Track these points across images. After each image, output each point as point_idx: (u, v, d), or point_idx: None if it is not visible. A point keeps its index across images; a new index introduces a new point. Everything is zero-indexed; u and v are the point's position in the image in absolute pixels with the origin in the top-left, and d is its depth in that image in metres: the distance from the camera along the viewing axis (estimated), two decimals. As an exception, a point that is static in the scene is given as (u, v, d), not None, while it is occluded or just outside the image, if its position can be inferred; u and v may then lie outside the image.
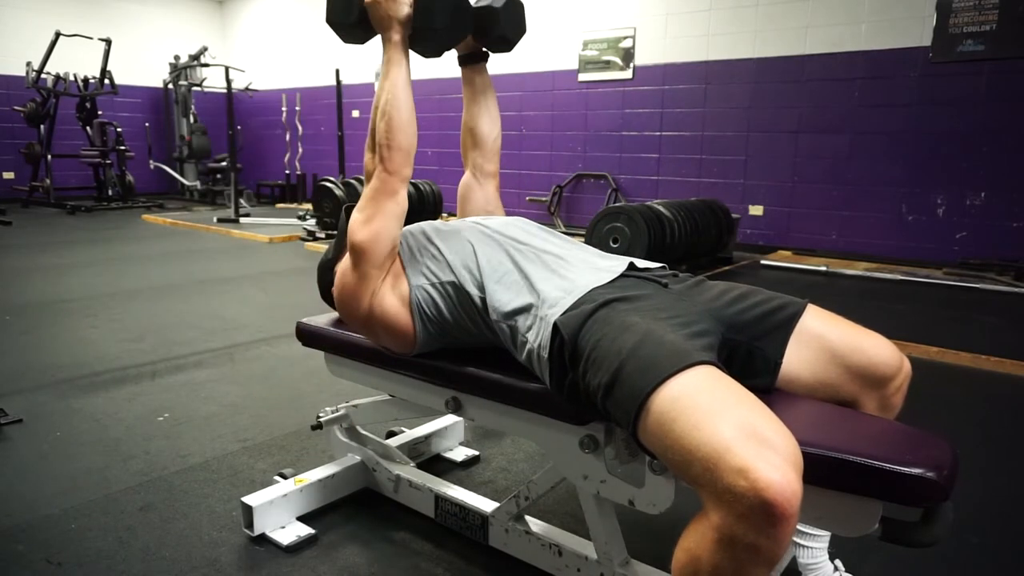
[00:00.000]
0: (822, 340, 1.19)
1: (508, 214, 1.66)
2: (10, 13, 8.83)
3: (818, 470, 0.96)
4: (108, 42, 8.37)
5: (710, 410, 0.90)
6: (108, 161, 8.55)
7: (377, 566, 1.55)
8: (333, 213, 6.23)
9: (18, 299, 4.02)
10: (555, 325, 1.17)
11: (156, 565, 1.53)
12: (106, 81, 8.48)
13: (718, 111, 6.16)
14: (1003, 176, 4.94)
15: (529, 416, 1.33)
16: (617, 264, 1.34)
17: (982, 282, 4.54)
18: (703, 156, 6.30)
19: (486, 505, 1.59)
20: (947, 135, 5.11)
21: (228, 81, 7.49)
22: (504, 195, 1.80)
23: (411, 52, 1.47)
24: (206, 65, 9.21)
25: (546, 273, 1.30)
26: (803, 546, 1.34)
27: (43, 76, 8.24)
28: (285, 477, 1.77)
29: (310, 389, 2.61)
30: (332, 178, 6.51)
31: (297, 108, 9.09)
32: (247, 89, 9.47)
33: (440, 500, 1.66)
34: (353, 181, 6.38)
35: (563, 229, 6.85)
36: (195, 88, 9.73)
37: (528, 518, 1.53)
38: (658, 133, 6.54)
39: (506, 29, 1.58)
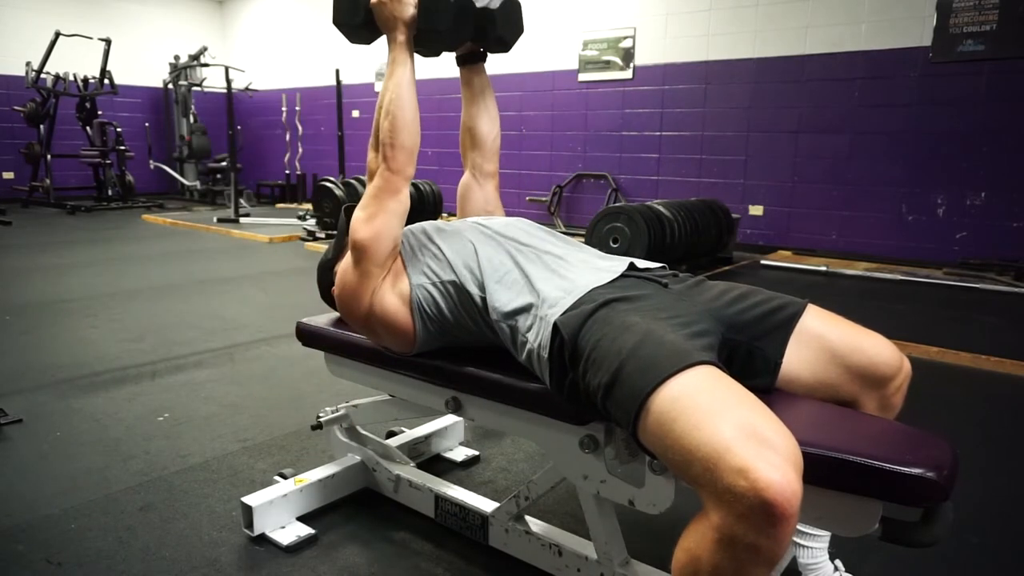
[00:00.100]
0: (822, 340, 1.19)
1: (508, 214, 1.66)
2: (10, 13, 8.83)
3: (818, 470, 0.96)
4: (108, 42, 8.37)
5: (710, 410, 0.90)
6: (108, 161, 8.55)
7: (377, 566, 1.55)
8: (333, 213, 6.23)
9: (18, 299, 4.02)
10: (555, 325, 1.17)
11: (156, 565, 1.53)
12: (106, 81, 8.48)
13: (718, 111, 6.16)
14: (1003, 176, 4.94)
15: (529, 416, 1.33)
16: (617, 264, 1.34)
17: (982, 282, 4.54)
18: (703, 156, 6.30)
19: (486, 505, 1.59)
20: (947, 135, 5.11)
21: (228, 81, 7.49)
22: (504, 195, 1.80)
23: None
24: (206, 65, 9.21)
25: (546, 273, 1.30)
26: (803, 546, 1.34)
27: (43, 76, 8.24)
28: (285, 477, 1.77)
29: (310, 389, 2.61)
30: (332, 178, 6.51)
31: (297, 108, 9.09)
32: (247, 89, 9.47)
33: (440, 500, 1.66)
34: (353, 181, 6.38)
35: (563, 229, 6.85)
36: (195, 88, 9.73)
37: (528, 518, 1.53)
38: (658, 133, 6.54)
39: (503, 30, 1.59)
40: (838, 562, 1.40)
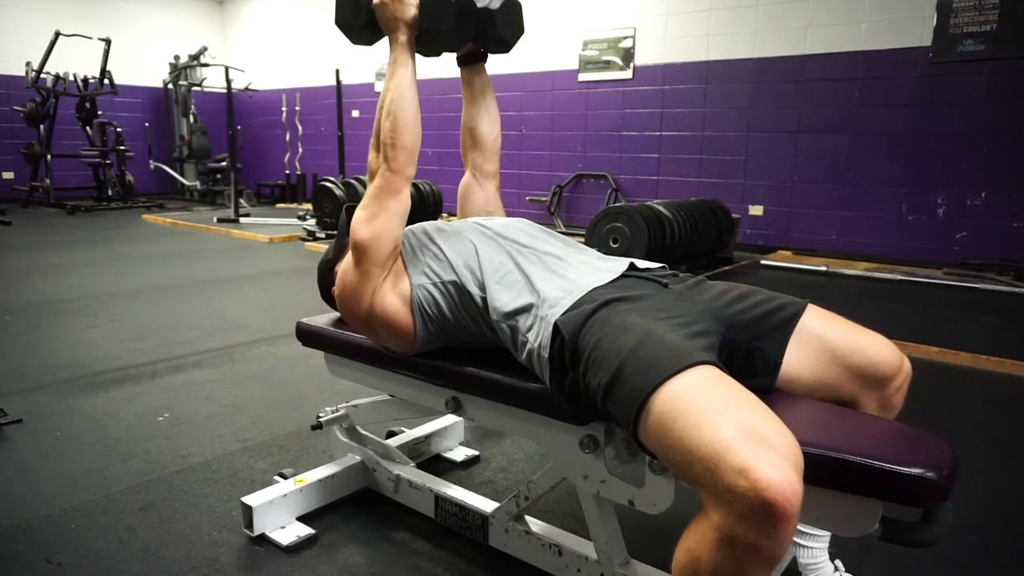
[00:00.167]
0: (822, 340, 1.19)
1: (508, 214, 1.67)
2: (10, 13, 8.83)
3: (818, 470, 0.96)
4: (108, 42, 8.37)
5: (710, 410, 0.90)
6: (108, 161, 8.55)
7: (377, 566, 1.55)
8: (333, 213, 6.23)
9: (18, 299, 4.02)
10: (555, 325, 1.17)
11: (156, 565, 1.53)
12: (106, 81, 8.48)
13: (718, 111, 6.16)
14: (1003, 176, 4.94)
15: (529, 416, 1.33)
16: (617, 265, 1.34)
17: (982, 282, 4.54)
18: (703, 156, 6.30)
19: (486, 505, 1.59)
20: (947, 135, 5.11)
21: (228, 81, 7.49)
22: (504, 195, 1.80)
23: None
24: (206, 65, 9.21)
25: (547, 274, 1.30)
26: (803, 546, 1.34)
27: (43, 76, 8.24)
28: (285, 477, 1.77)
29: (310, 389, 2.61)
30: (332, 178, 6.51)
31: (297, 108, 9.09)
32: (247, 89, 9.47)
33: (440, 500, 1.66)
34: (353, 181, 6.38)
35: (563, 229, 6.85)
36: (195, 88, 9.73)
37: (528, 518, 1.53)
38: (658, 133, 6.54)
39: (504, 30, 1.60)
40: (838, 562, 1.40)
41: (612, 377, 1.03)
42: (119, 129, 8.62)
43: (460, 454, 2.08)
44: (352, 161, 7.74)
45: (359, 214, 1.38)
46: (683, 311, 1.17)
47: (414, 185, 6.30)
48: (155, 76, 10.11)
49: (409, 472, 1.76)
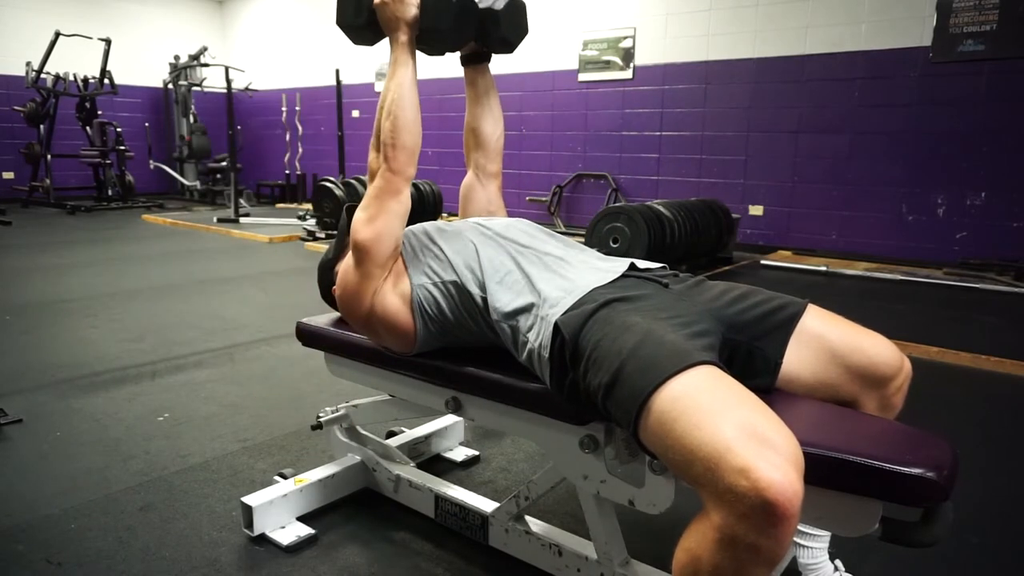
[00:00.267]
0: (822, 340, 1.19)
1: (509, 214, 1.67)
2: (10, 13, 8.83)
3: (818, 470, 0.96)
4: (108, 42, 8.37)
5: (711, 410, 0.90)
6: (108, 161, 8.55)
7: (377, 566, 1.55)
8: (333, 213, 6.23)
9: (18, 299, 4.02)
10: (556, 325, 1.17)
11: (156, 565, 1.53)
12: (106, 81, 8.48)
13: (718, 111, 6.16)
14: (1003, 176, 4.94)
15: (529, 416, 1.33)
16: (618, 265, 1.34)
17: (982, 282, 4.54)
18: (703, 156, 6.30)
19: (486, 505, 1.59)
20: (947, 135, 5.11)
21: (228, 81, 7.49)
22: (504, 195, 1.80)
23: (419, 51, 1.48)
24: (206, 65, 9.21)
25: (547, 274, 1.30)
26: (803, 546, 1.34)
27: (43, 76, 8.24)
28: (285, 477, 1.77)
29: (310, 389, 2.61)
30: (332, 178, 6.51)
31: (297, 108, 9.09)
32: (247, 89, 9.47)
33: (440, 500, 1.66)
34: (353, 181, 6.38)
35: (563, 229, 6.85)
36: (195, 88, 9.72)
37: (528, 518, 1.53)
38: (658, 133, 6.54)
39: (508, 31, 1.59)
40: (838, 562, 1.40)
41: (612, 377, 1.03)
42: (119, 129, 8.62)
43: (460, 454, 2.08)
44: (352, 161, 7.74)
45: (359, 215, 1.38)
46: (683, 311, 1.17)
47: (414, 185, 6.30)
48: (155, 76, 10.11)
49: (409, 472, 1.76)
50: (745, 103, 5.99)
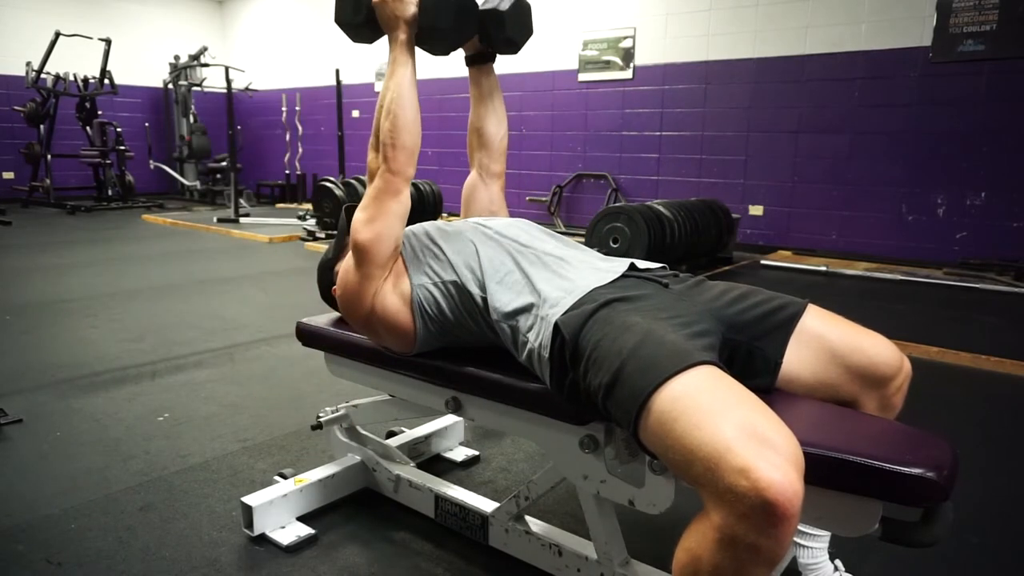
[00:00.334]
0: (822, 340, 1.19)
1: (509, 215, 1.67)
2: (10, 13, 8.83)
3: (818, 470, 0.96)
4: (108, 42, 8.37)
5: (711, 410, 0.90)
6: (108, 161, 8.55)
7: (377, 566, 1.55)
8: (333, 213, 6.23)
9: (18, 299, 4.02)
10: (556, 325, 1.17)
11: (156, 565, 1.53)
12: (106, 81, 8.48)
13: (718, 111, 6.16)
14: (1003, 176, 4.94)
15: (529, 416, 1.33)
16: (618, 265, 1.34)
17: (982, 282, 4.54)
18: (703, 156, 6.30)
19: (486, 505, 1.59)
20: (947, 135, 5.11)
21: (228, 81, 7.49)
22: (505, 195, 1.80)
23: (421, 50, 1.48)
24: (206, 65, 9.21)
25: (547, 274, 1.30)
26: (803, 546, 1.34)
27: (43, 76, 8.24)
28: (285, 477, 1.77)
29: (310, 389, 2.61)
30: (332, 178, 6.51)
31: (297, 108, 9.09)
32: (247, 89, 9.47)
33: (440, 500, 1.66)
34: (353, 181, 6.38)
35: (563, 229, 6.85)
36: (195, 88, 9.73)
37: (528, 518, 1.53)
38: (658, 133, 6.54)
39: (512, 32, 1.59)
40: (838, 562, 1.40)
41: (612, 377, 1.03)
42: (119, 129, 8.62)
43: (460, 454, 2.08)
44: (352, 161, 7.74)
45: (359, 215, 1.37)
46: (683, 311, 1.17)
47: (414, 185, 6.30)
48: (155, 76, 10.11)
49: (409, 472, 1.76)
50: (745, 103, 5.99)
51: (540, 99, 7.28)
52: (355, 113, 8.99)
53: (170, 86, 9.84)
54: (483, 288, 1.33)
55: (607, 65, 6.77)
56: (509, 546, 1.53)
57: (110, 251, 5.75)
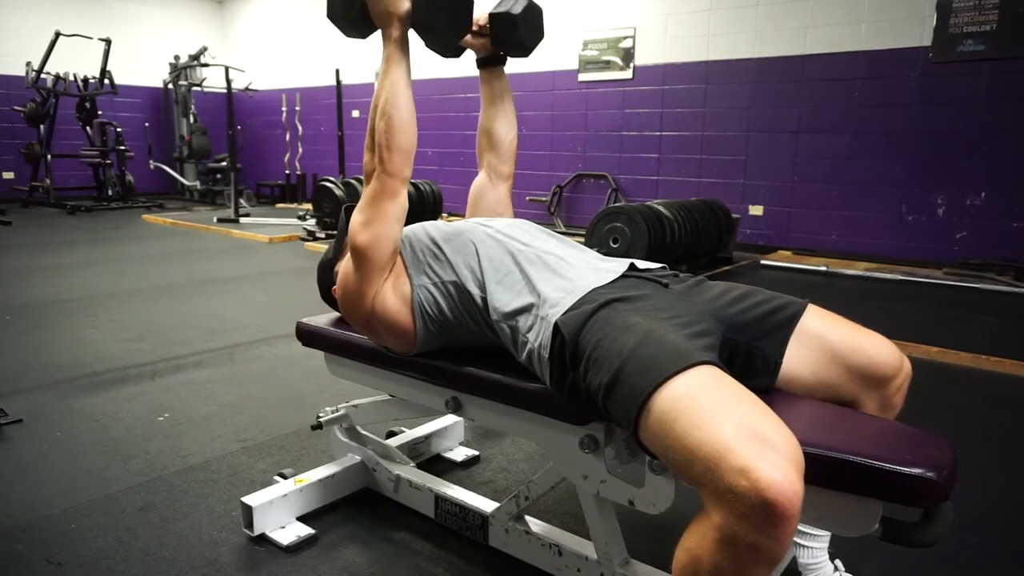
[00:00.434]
0: (822, 340, 1.19)
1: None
2: (10, 13, 8.83)
3: (818, 470, 0.96)
4: (108, 42, 8.37)
5: (711, 410, 0.90)
6: (108, 161, 8.55)
7: (377, 566, 1.55)
8: (333, 213, 6.23)
9: (18, 299, 4.02)
10: (556, 325, 1.17)
11: (156, 565, 1.53)
12: (106, 81, 8.48)
13: (718, 111, 6.16)
14: (1003, 176, 4.94)
15: (529, 416, 1.33)
16: (618, 265, 1.34)
17: (982, 282, 4.54)
18: (703, 156, 6.30)
19: (486, 505, 1.59)
20: (947, 135, 5.11)
21: (228, 81, 7.49)
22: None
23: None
24: (206, 65, 9.21)
25: (547, 274, 1.30)
26: (803, 546, 1.34)
27: (43, 76, 8.24)
28: (285, 477, 1.77)
29: (310, 389, 2.61)
30: (332, 178, 6.51)
31: (297, 108, 9.09)
32: (247, 89, 9.47)
33: (440, 500, 1.66)
34: (353, 181, 6.38)
35: (563, 229, 6.85)
36: (195, 88, 9.72)
37: (528, 518, 1.53)
38: (658, 133, 6.54)
39: (524, 35, 1.58)
40: (838, 562, 1.40)
41: (612, 377, 1.03)
42: (119, 129, 8.62)
43: (460, 454, 2.08)
44: (352, 161, 7.74)
45: (356, 218, 1.36)
46: (684, 311, 1.17)
47: (414, 185, 6.30)
48: (155, 76, 10.11)
49: (409, 472, 1.76)
50: (745, 103, 5.99)
51: (540, 99, 7.28)
52: (355, 113, 8.99)
53: (170, 86, 9.84)
54: (483, 288, 1.33)
55: (607, 65, 6.77)
56: (509, 546, 1.53)
57: (110, 251, 5.75)
